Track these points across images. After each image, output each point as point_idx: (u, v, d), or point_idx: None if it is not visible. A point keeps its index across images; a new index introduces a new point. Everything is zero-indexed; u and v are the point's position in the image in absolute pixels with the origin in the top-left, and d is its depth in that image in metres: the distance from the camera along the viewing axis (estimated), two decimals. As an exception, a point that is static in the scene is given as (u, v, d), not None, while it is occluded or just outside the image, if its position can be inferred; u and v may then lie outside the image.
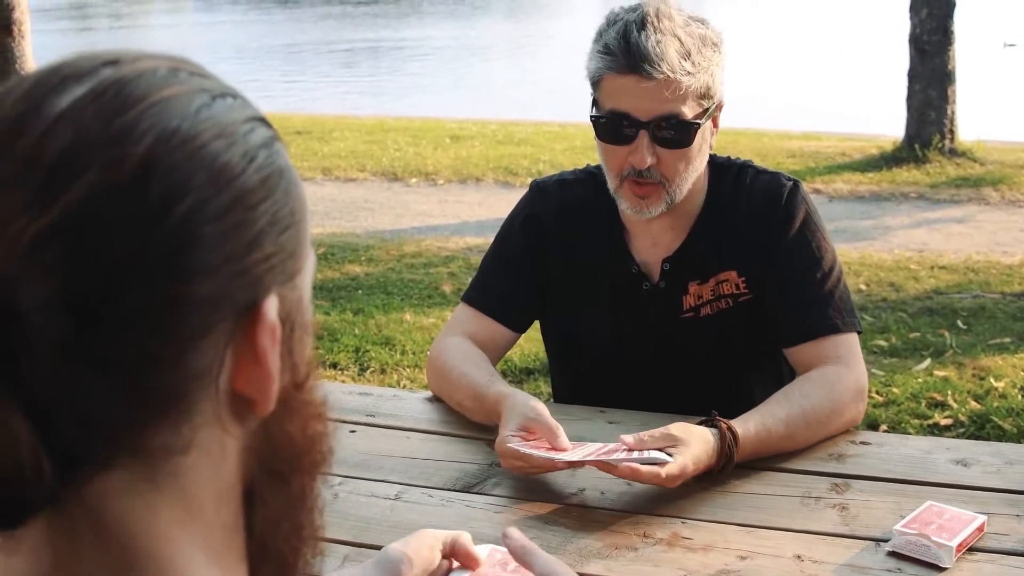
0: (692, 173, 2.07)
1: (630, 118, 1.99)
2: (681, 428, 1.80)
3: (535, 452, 1.80)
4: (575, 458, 1.77)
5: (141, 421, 0.67)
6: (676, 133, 2.00)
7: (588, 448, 1.81)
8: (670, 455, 1.74)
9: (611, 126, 2.03)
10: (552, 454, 1.79)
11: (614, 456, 1.75)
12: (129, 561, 0.68)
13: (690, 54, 1.96)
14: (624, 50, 1.95)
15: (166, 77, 0.70)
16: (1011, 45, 16.94)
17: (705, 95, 2.01)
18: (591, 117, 2.07)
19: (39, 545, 0.68)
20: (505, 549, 1.35)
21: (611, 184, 2.10)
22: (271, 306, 0.71)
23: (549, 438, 1.83)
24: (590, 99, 2.10)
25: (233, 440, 0.73)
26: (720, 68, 2.03)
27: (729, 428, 1.84)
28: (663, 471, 1.72)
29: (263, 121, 0.74)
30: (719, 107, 2.08)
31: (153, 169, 0.65)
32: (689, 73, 1.95)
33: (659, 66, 1.93)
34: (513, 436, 1.85)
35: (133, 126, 0.65)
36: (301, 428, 0.77)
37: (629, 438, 1.76)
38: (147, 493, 0.68)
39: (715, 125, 2.10)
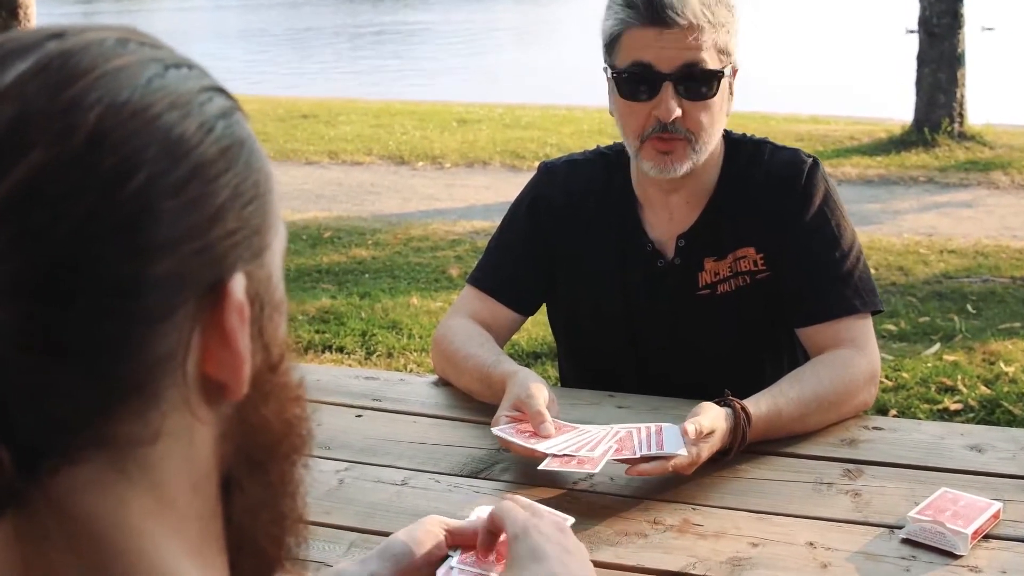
0: (715, 132, 2.04)
1: (653, 70, 1.97)
2: (711, 418, 1.76)
3: (515, 440, 1.78)
4: (555, 451, 1.74)
5: (104, 410, 0.63)
6: (700, 83, 1.98)
7: (580, 438, 1.78)
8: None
9: (633, 80, 2.00)
10: (532, 443, 1.77)
11: (605, 450, 1.73)
12: (101, 557, 0.65)
13: (710, 4, 1.95)
14: (646, 1, 1.94)
15: (114, 47, 0.66)
16: (989, 29, 16.83)
17: (724, 51, 2.00)
18: (612, 74, 2.04)
19: (6, 546, 0.65)
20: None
21: (631, 148, 2.07)
22: (237, 285, 0.68)
23: (533, 424, 1.81)
24: (603, 66, 2.07)
25: (206, 427, 0.70)
26: (736, 31, 2.02)
27: (743, 408, 1.82)
28: (670, 464, 1.70)
29: (221, 91, 0.71)
30: (734, 72, 2.06)
31: (103, 142, 0.61)
32: (710, 23, 1.95)
33: (682, 12, 1.92)
34: (506, 416, 1.84)
35: (80, 99, 0.62)
36: (277, 412, 0.74)
37: (690, 427, 1.71)
38: (116, 485, 0.65)
39: (731, 91, 2.08)
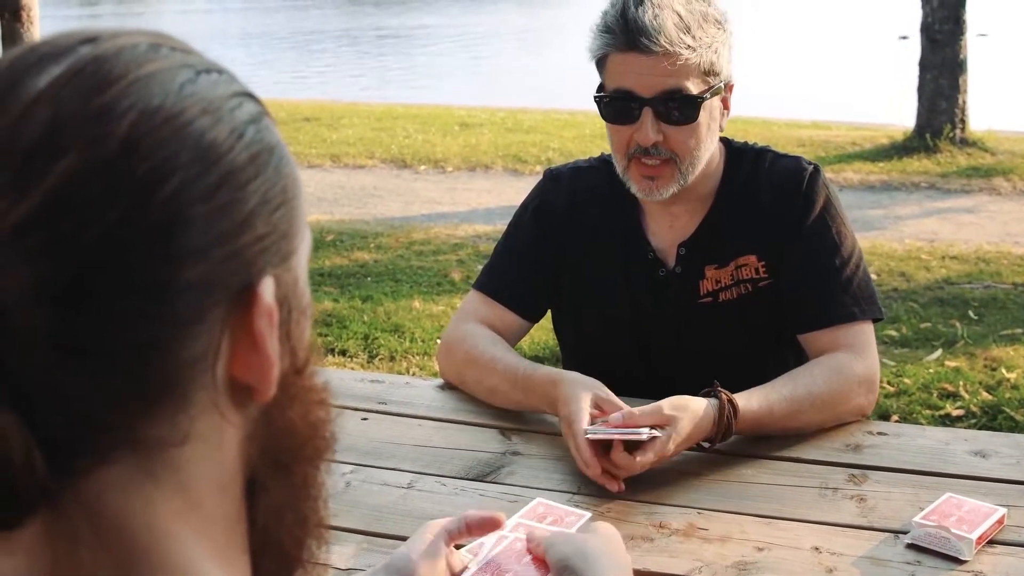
0: (703, 152, 2.04)
1: (633, 95, 1.98)
2: (673, 405, 1.79)
3: (618, 435, 1.77)
4: (646, 435, 1.76)
5: (134, 412, 0.64)
6: (680, 109, 1.98)
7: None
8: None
9: (614, 105, 2.02)
10: (632, 432, 1.77)
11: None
12: (128, 557, 0.65)
13: (690, 28, 1.94)
14: (622, 27, 1.95)
15: (147, 53, 0.67)
16: (983, 35, 16.86)
17: (710, 72, 1.99)
18: (595, 97, 2.06)
19: (37, 546, 0.65)
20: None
21: (619, 167, 2.09)
22: (267, 289, 0.68)
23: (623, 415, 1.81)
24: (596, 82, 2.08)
25: (233, 429, 0.70)
26: (726, 47, 2.01)
27: (729, 400, 1.83)
28: (637, 462, 1.74)
29: (250, 96, 0.71)
30: (728, 87, 2.06)
31: (136, 148, 0.62)
32: (689, 47, 1.94)
33: (656, 39, 1.91)
34: (592, 414, 1.84)
35: (114, 104, 0.62)
36: (303, 415, 0.75)
37: (618, 416, 1.77)
38: (145, 486, 0.66)
39: (726, 107, 2.08)
